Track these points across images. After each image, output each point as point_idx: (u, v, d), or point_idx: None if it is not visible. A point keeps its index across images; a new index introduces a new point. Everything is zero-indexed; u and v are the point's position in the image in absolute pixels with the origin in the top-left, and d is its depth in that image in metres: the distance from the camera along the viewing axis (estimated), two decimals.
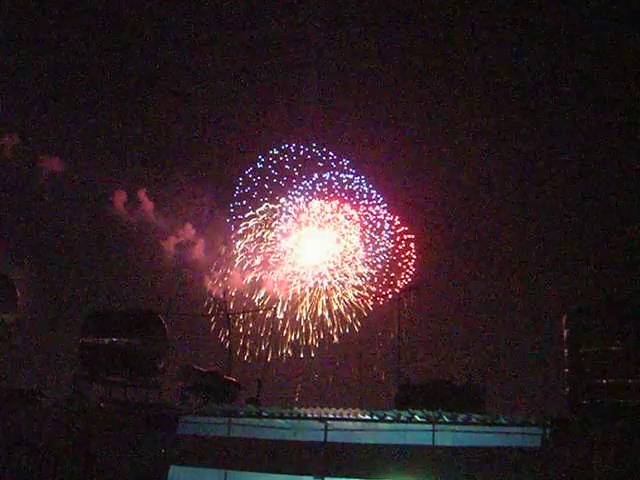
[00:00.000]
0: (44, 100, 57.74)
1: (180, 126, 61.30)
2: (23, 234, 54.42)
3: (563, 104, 55.20)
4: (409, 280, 54.49)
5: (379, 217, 59.02)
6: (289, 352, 57.42)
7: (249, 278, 58.53)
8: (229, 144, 60.75)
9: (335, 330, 58.27)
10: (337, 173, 59.22)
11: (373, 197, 58.97)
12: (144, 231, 53.96)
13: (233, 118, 61.13)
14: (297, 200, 59.98)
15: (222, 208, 57.98)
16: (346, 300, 58.67)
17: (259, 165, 59.63)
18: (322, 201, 59.53)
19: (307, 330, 58.12)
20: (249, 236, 59.50)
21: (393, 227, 58.64)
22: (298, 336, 57.93)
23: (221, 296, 56.68)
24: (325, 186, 59.53)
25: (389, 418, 26.81)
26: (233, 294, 58.12)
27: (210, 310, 57.62)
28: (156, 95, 61.65)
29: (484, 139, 57.11)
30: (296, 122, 59.83)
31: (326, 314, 58.50)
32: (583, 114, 54.59)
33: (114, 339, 36.84)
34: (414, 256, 57.19)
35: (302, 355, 57.87)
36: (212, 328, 56.80)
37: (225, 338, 56.22)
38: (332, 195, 59.39)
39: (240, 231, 59.35)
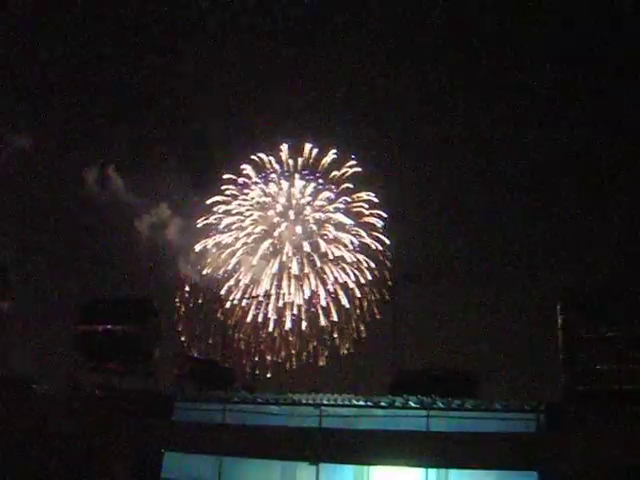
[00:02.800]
0: (11, 74, 56.59)
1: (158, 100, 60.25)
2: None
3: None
4: (404, 268, 54.48)
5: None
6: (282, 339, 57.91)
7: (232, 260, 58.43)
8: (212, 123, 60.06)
9: (331, 316, 58.55)
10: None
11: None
12: (117, 210, 53.03)
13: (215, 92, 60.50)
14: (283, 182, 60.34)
15: (200, 187, 57.49)
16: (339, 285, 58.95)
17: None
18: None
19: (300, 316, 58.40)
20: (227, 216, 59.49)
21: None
22: (290, 325, 58.36)
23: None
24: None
25: (383, 404, 26.84)
26: (213, 276, 58.02)
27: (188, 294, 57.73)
28: (129, 66, 60.38)
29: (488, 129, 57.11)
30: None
31: (322, 293, 58.83)
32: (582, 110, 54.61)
33: (109, 327, 36.88)
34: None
35: (295, 339, 58.21)
36: (205, 315, 57.32)
37: (218, 325, 56.50)
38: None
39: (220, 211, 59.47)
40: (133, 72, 60.65)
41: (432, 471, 25.66)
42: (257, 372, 51.47)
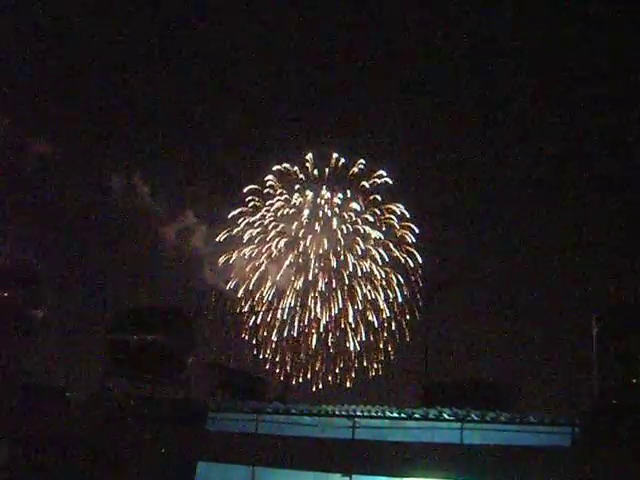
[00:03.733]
0: (34, 82, 57.21)
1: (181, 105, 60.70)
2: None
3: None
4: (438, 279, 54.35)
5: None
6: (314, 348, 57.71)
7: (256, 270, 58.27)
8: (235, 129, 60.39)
9: (361, 329, 58.33)
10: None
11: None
12: (143, 218, 53.33)
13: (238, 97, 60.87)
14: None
15: (225, 194, 57.63)
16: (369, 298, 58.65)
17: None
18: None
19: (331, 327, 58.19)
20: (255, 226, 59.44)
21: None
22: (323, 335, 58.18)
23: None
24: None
25: (417, 416, 26.76)
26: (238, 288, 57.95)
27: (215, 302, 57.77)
28: (153, 72, 61.16)
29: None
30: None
31: (350, 312, 58.48)
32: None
33: (141, 336, 37.11)
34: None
35: (330, 350, 57.97)
36: (238, 325, 57.45)
37: (251, 336, 56.68)
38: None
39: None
40: (160, 80, 61.28)
41: None
42: (288, 383, 51.50)
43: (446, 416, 26.19)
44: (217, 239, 58.16)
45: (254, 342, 56.20)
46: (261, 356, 57.19)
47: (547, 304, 51.52)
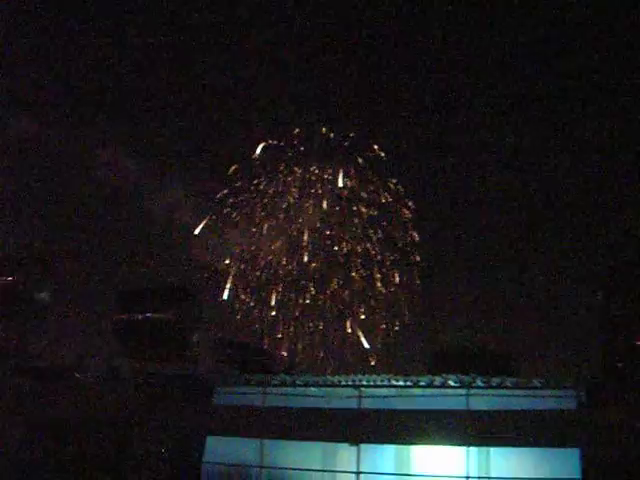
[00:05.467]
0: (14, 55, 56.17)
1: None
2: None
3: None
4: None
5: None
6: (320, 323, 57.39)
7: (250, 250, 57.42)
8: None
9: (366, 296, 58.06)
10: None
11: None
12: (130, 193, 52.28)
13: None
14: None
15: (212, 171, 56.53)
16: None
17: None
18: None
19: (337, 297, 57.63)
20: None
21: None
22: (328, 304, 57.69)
23: None
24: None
25: (423, 384, 26.78)
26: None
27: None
28: (139, 46, 59.95)
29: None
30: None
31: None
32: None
33: (148, 315, 37.33)
34: None
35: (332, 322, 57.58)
36: (244, 300, 56.97)
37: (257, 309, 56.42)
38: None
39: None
40: (146, 56, 60.30)
41: (473, 449, 25.64)
42: (294, 355, 51.37)
43: (452, 383, 26.24)
44: (207, 215, 56.95)
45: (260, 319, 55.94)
46: (266, 331, 56.94)
47: (551, 270, 51.37)
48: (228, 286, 54.42)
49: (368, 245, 58.27)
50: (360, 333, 55.23)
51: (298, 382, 28.76)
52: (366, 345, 54.27)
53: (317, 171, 59.18)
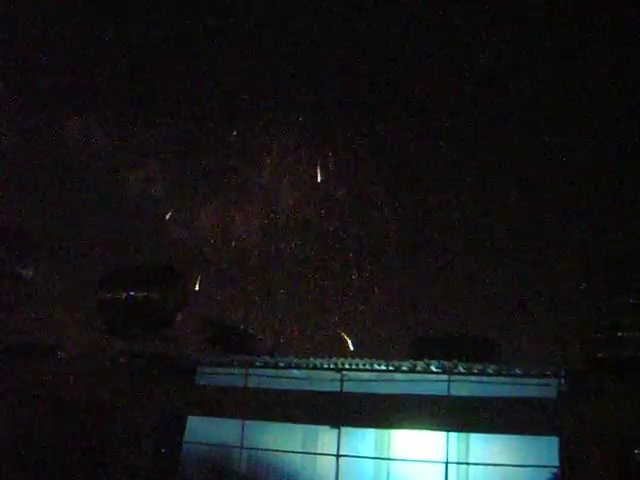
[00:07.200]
0: None
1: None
2: None
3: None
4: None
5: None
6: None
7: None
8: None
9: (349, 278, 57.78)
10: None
11: None
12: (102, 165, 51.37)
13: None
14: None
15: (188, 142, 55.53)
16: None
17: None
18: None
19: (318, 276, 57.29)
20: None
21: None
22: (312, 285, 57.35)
23: None
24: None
25: (405, 368, 26.90)
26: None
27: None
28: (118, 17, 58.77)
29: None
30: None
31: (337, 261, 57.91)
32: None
33: (132, 293, 37.15)
34: None
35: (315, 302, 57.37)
36: (228, 279, 56.61)
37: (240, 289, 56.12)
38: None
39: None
40: (125, 23, 58.96)
41: (453, 435, 25.87)
42: (277, 338, 51.20)
43: (433, 368, 26.36)
44: (183, 191, 56.06)
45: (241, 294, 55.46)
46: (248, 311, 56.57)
47: (533, 256, 51.38)
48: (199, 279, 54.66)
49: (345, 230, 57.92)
50: (343, 334, 55.32)
51: (281, 364, 28.83)
52: (351, 347, 54.39)
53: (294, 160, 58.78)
